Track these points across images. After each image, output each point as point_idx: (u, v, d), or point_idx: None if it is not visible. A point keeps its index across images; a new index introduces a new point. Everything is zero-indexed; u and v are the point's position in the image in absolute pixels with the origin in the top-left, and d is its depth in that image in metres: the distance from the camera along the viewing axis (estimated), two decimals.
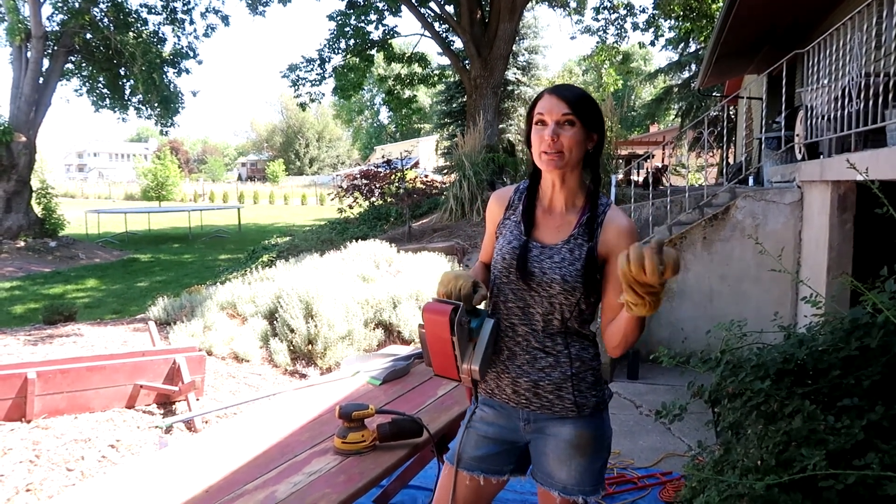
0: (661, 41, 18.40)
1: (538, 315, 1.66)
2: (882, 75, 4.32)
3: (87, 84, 17.75)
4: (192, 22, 17.90)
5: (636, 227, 1.68)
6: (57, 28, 15.99)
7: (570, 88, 1.65)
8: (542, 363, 1.67)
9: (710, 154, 20.15)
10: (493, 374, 1.73)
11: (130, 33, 16.64)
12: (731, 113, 16.12)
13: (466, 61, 14.66)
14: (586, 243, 1.63)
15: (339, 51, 16.43)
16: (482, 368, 1.62)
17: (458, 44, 15.89)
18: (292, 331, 5.75)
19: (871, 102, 4.16)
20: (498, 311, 1.73)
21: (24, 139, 15.19)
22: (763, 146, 7.84)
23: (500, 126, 19.26)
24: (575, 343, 1.68)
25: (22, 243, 14.78)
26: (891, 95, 4.00)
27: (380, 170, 13.19)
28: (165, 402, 4.45)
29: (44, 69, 15.72)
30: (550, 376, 1.66)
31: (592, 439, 1.68)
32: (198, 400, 4.52)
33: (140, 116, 18.37)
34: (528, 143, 1.73)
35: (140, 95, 17.37)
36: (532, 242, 1.68)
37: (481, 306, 1.67)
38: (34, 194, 16.03)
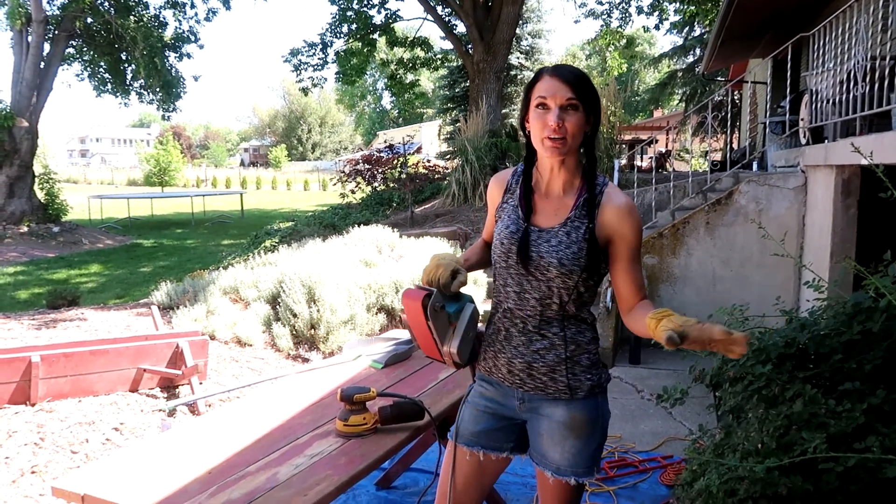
0: (666, 25, 18.25)
1: (535, 299, 1.65)
2: (888, 58, 4.28)
3: (88, 69, 17.69)
4: (193, 6, 17.80)
5: (635, 205, 1.66)
6: (57, 12, 15.90)
7: (572, 70, 1.62)
8: (537, 345, 1.67)
9: (714, 139, 20.06)
10: (490, 352, 1.75)
11: (131, 17, 16.54)
12: (735, 97, 16.01)
13: (469, 45, 14.56)
14: (584, 225, 1.62)
15: (342, 35, 16.33)
16: (461, 351, 1.66)
17: (460, 28, 15.78)
18: (295, 315, 5.77)
19: (876, 86, 4.13)
20: (497, 294, 1.74)
21: (26, 124, 15.16)
22: (767, 131, 7.80)
23: (503, 111, 19.16)
24: (571, 326, 1.67)
25: (25, 228, 14.80)
26: None
27: (382, 155, 13.16)
28: (169, 386, 4.48)
29: (45, 53, 15.66)
30: (545, 359, 1.67)
31: (586, 422, 1.68)
32: (201, 383, 4.54)
33: (142, 101, 18.33)
34: (522, 124, 1.70)
35: (141, 80, 17.30)
36: (530, 227, 1.66)
37: (476, 287, 1.71)
38: (37, 179, 16.03)
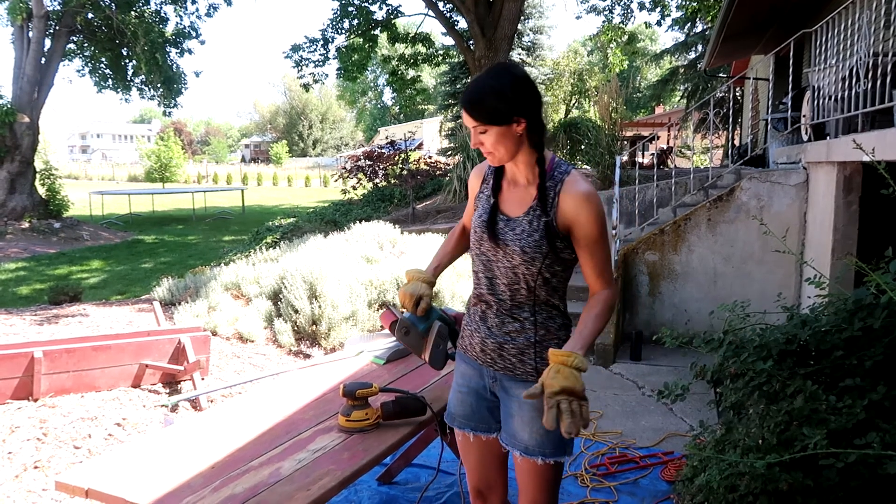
0: (668, 21, 18.19)
1: (504, 284, 1.75)
2: (890, 55, 4.27)
3: (89, 64, 17.67)
4: (194, 1, 17.83)
5: (594, 193, 1.69)
6: (58, 7, 15.88)
7: (469, 97, 1.66)
8: (508, 327, 1.77)
9: (716, 136, 20.02)
10: (467, 331, 1.89)
11: (132, 12, 16.51)
12: (737, 94, 15.98)
13: (471, 41, 14.52)
14: (543, 215, 1.68)
15: (343, 31, 16.28)
16: (433, 360, 1.94)
17: (462, 24, 15.74)
18: (296, 311, 5.78)
19: (878, 82, 4.12)
20: (475, 277, 1.85)
21: (27, 120, 15.16)
22: (769, 127, 7.79)
23: None
24: (542, 312, 1.75)
25: (26, 224, 14.81)
26: None
27: (384, 151, 13.15)
28: (171, 382, 4.49)
29: (46, 49, 15.64)
30: (515, 341, 1.76)
31: None
32: (203, 379, 4.55)
33: (143, 97, 18.30)
34: None
35: (142, 76, 17.28)
36: (499, 214, 1.76)
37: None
38: (38, 175, 16.02)
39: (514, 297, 1.74)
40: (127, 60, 17.54)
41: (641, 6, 17.25)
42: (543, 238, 1.67)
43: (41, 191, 16.10)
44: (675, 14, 18.07)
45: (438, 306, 2.09)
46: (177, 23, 17.91)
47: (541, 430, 1.69)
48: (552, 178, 1.70)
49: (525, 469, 1.77)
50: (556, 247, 1.68)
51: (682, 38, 22.68)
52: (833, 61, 5.22)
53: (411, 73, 18.21)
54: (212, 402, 4.28)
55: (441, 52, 18.94)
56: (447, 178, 12.63)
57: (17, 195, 15.29)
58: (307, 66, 16.63)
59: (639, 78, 40.06)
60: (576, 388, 1.51)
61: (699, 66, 18.20)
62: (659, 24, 18.12)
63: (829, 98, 5.19)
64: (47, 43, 15.69)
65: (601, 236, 1.68)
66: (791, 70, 6.21)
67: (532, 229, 1.68)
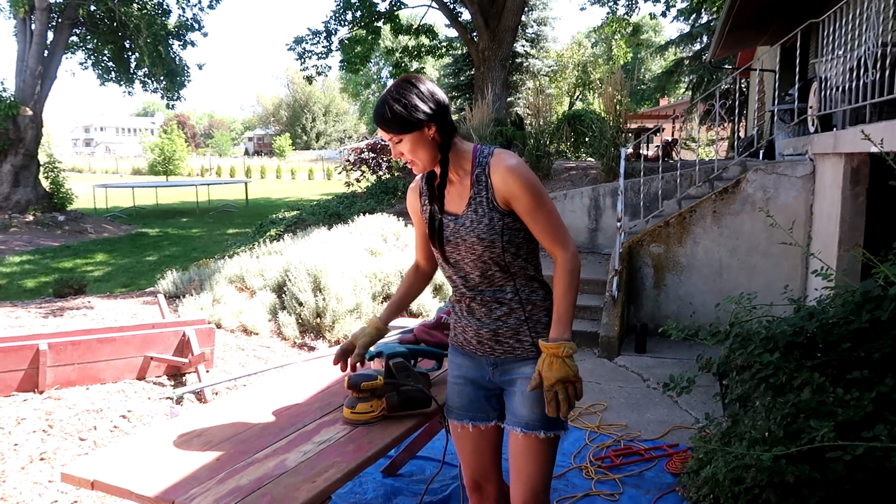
0: (673, 12, 18.10)
1: (478, 276, 1.80)
2: None
3: (92, 57, 17.64)
4: None
5: (520, 162, 1.75)
6: (60, 0, 15.85)
7: (379, 112, 1.76)
8: (497, 313, 1.82)
9: (722, 127, 19.93)
10: (459, 327, 1.93)
11: (135, 5, 16.46)
12: (742, 85, 15.90)
13: (474, 33, 14.46)
14: (483, 198, 1.75)
15: (346, 23, 16.23)
16: (400, 404, 2.12)
17: (465, 15, 15.68)
18: (300, 304, 5.78)
19: (887, 73, 4.08)
20: (451, 279, 1.89)
21: (30, 113, 15.15)
22: (775, 119, 7.74)
23: (509, 99, 19.08)
24: (524, 287, 1.81)
25: (31, 217, 14.83)
26: None
27: (387, 143, 13.12)
28: (176, 374, 4.50)
29: (48, 42, 15.60)
30: (507, 323, 1.82)
31: None
32: (207, 372, 4.56)
33: (146, 90, 18.27)
34: None
35: (145, 68, 17.24)
36: (446, 217, 1.81)
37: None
38: (42, 168, 16.03)
39: (492, 283, 1.80)
40: (130, 53, 17.51)
41: None
42: (493, 219, 1.73)
43: (45, 184, 16.11)
44: (681, 5, 17.99)
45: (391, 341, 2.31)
46: (179, 15, 17.89)
47: (541, 404, 1.74)
48: (479, 164, 1.77)
49: (525, 446, 1.82)
50: (507, 222, 1.74)
51: (686, 29, 22.54)
52: (841, 52, 5.18)
53: (415, 65, 18.14)
54: (216, 394, 4.29)
55: (444, 43, 18.88)
56: None
57: (21, 188, 15.31)
58: (310, 58, 16.60)
59: (643, 69, 39.86)
60: (569, 376, 1.68)
61: (704, 57, 18.09)
62: (664, 15, 18.04)
63: (837, 89, 5.15)
64: (50, 35, 15.65)
65: (538, 202, 1.73)
66: (798, 61, 6.16)
67: (479, 216, 1.74)
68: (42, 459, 3.26)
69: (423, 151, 1.75)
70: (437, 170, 1.81)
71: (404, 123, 1.71)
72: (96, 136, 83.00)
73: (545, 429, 1.80)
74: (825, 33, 5.55)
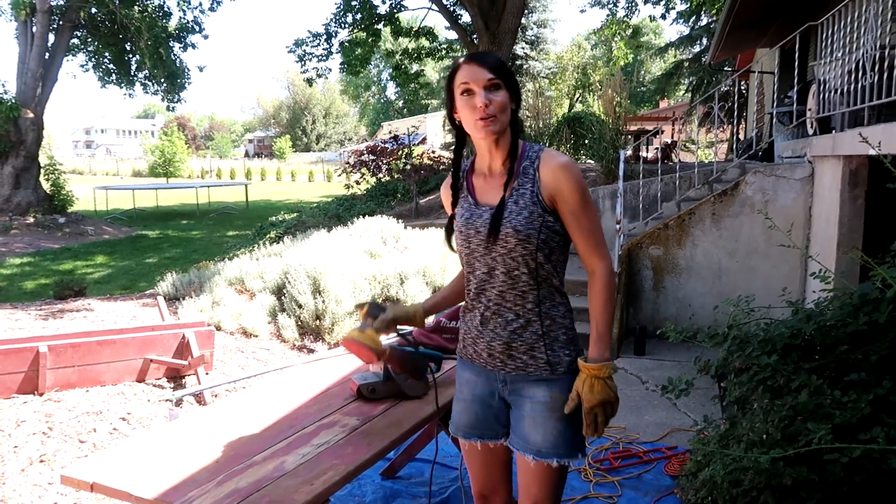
0: (672, 14, 18.11)
1: (504, 273, 1.69)
2: None
3: (93, 59, 17.67)
4: None
5: (572, 162, 1.69)
6: (62, 2, 15.87)
7: (487, 53, 1.70)
8: (513, 325, 1.71)
9: (721, 130, 19.94)
10: (469, 339, 1.81)
11: (136, 7, 16.50)
12: (742, 88, 15.91)
13: (474, 35, 14.46)
14: (528, 190, 1.67)
15: (346, 25, 16.24)
16: (409, 390, 2.30)
17: (465, 17, 15.68)
18: (300, 306, 5.78)
19: (885, 75, 4.09)
20: (468, 282, 1.79)
21: (31, 115, 15.18)
22: (774, 121, 7.75)
23: None
24: (546, 301, 1.70)
25: (31, 220, 14.85)
26: None
27: (387, 146, 13.14)
28: (175, 376, 4.50)
29: (50, 44, 15.64)
30: (522, 336, 1.70)
31: (567, 401, 1.68)
32: (207, 374, 4.56)
33: (146, 92, 18.29)
34: (451, 116, 1.76)
35: (146, 71, 17.27)
36: (482, 207, 1.72)
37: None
38: (42, 171, 16.05)
39: (515, 285, 1.68)
40: (130, 55, 17.54)
41: (646, 0, 17.18)
42: (533, 213, 1.65)
43: (46, 186, 16.13)
44: (680, 7, 18.00)
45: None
46: (180, 17, 17.92)
47: (553, 430, 1.68)
48: (528, 157, 1.71)
49: (536, 472, 1.72)
50: (548, 220, 1.66)
51: (686, 31, 22.56)
52: (839, 54, 5.19)
53: (415, 67, 18.15)
54: (216, 396, 4.30)
55: (444, 46, 18.87)
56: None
57: (21, 190, 15.33)
58: (310, 60, 16.60)
59: (643, 72, 39.90)
60: (611, 398, 1.62)
61: (704, 59, 18.09)
62: (663, 17, 18.04)
63: (835, 91, 5.16)
64: (51, 38, 15.68)
65: (585, 203, 1.67)
66: (797, 63, 6.17)
67: (520, 208, 1.66)
68: (42, 461, 3.27)
69: (505, 115, 1.67)
70: (490, 153, 1.73)
71: (510, 74, 1.68)
72: (97, 138, 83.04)
73: (558, 457, 1.69)
74: (824, 36, 5.56)
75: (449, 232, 1.82)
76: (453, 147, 1.88)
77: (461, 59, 1.69)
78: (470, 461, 1.90)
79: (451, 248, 1.84)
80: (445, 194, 1.87)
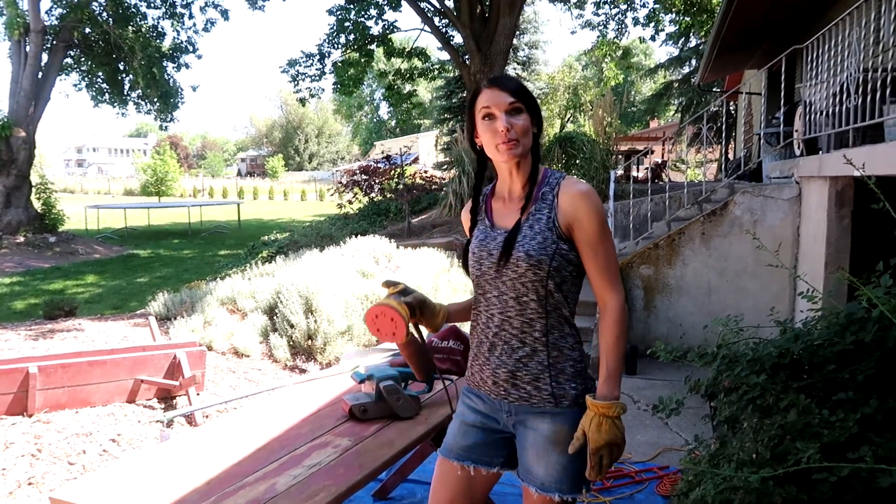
0: (662, 36, 18.36)
1: (513, 299, 1.67)
2: (880, 70, 4.33)
3: (86, 79, 17.73)
4: (191, 16, 17.91)
5: (592, 190, 1.68)
6: (56, 22, 15.95)
7: (508, 77, 1.71)
8: (519, 353, 1.68)
9: (710, 150, 20.14)
10: (476, 366, 1.78)
11: (129, 27, 16.60)
12: (730, 108, 16.11)
13: (466, 56, 14.62)
14: (545, 216, 1.66)
15: (339, 46, 16.38)
16: (402, 411, 2.35)
17: (458, 39, 15.86)
18: (292, 326, 5.77)
19: (869, 98, 4.17)
20: (478, 305, 1.76)
21: (23, 134, 15.17)
22: (762, 142, 7.85)
23: None
24: (554, 331, 1.68)
25: (21, 238, 14.78)
26: (889, 91, 4.01)
27: (379, 165, 13.20)
28: (166, 397, 4.48)
29: (43, 63, 15.69)
30: (528, 366, 1.68)
31: (572, 435, 1.65)
32: (198, 394, 4.54)
33: (139, 111, 18.36)
34: (471, 140, 1.77)
35: (139, 90, 17.34)
36: (497, 230, 1.72)
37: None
38: (33, 189, 16.01)
39: (523, 312, 1.66)
40: (124, 75, 17.61)
41: (636, 21, 17.43)
42: (548, 239, 1.63)
43: (36, 205, 16.08)
44: (669, 29, 18.26)
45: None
46: (174, 37, 18.03)
47: (556, 464, 1.65)
48: (548, 182, 1.70)
49: (539, 503, 1.69)
50: (562, 248, 1.64)
51: (676, 52, 22.89)
52: (824, 77, 5.28)
53: (407, 87, 18.31)
54: (207, 417, 4.27)
55: (437, 66, 19.07)
56: (443, 193, 12.66)
57: (12, 209, 15.27)
58: (304, 80, 16.72)
59: (633, 92, 40.34)
60: (618, 439, 1.58)
61: (693, 80, 18.34)
62: (653, 39, 18.29)
63: (821, 113, 5.25)
64: (44, 57, 15.73)
65: (603, 234, 1.66)
66: (783, 85, 6.27)
67: (534, 232, 1.64)
68: (30, 484, 3.24)
69: (529, 136, 1.68)
70: (510, 176, 1.73)
71: (531, 98, 1.69)
72: (89, 156, 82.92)
73: (561, 492, 1.65)
74: (809, 59, 5.66)
75: (465, 256, 1.80)
76: (475, 171, 1.88)
77: (482, 84, 1.70)
78: (444, 483, 1.81)
79: (466, 272, 1.82)
80: (466, 218, 1.86)
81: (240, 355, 5.57)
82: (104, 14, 16.50)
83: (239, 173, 70.36)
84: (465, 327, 2.00)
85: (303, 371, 5.46)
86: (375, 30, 16.34)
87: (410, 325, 1.77)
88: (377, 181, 13.01)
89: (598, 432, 1.56)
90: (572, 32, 21.90)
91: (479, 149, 1.75)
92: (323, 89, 17.19)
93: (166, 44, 17.66)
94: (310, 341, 5.70)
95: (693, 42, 21.12)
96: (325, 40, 16.32)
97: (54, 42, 15.85)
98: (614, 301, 1.66)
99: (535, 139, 1.71)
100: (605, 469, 1.59)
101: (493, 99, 1.64)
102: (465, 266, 1.81)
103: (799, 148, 6.10)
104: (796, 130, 6.29)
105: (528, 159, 1.71)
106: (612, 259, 1.68)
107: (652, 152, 10.85)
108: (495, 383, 1.72)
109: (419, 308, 1.78)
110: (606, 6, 17.48)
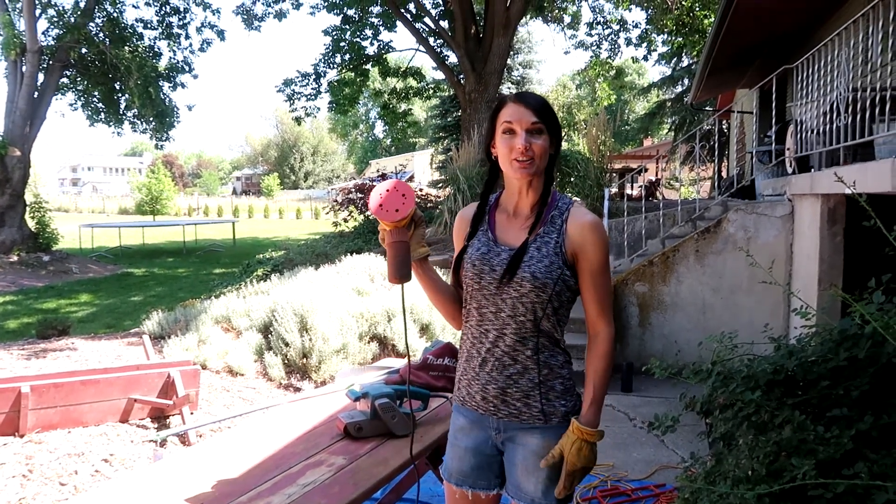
0: (654, 56, 18.59)
1: (509, 317, 1.67)
2: (869, 90, 4.39)
3: (82, 98, 17.77)
4: (187, 37, 17.99)
5: (600, 222, 1.71)
6: (52, 42, 16.03)
7: (535, 96, 1.70)
8: (510, 370, 1.69)
9: (703, 168, 20.28)
10: (464, 381, 1.78)
11: (126, 48, 16.69)
12: (723, 127, 16.25)
13: (461, 76, 14.75)
14: (553, 240, 1.67)
15: (335, 65, 16.52)
16: (396, 429, 2.30)
17: (452, 58, 16.01)
18: (287, 344, 5.75)
19: (858, 117, 4.22)
20: (469, 319, 1.75)
21: (18, 153, 15.18)
22: (755, 160, 7.92)
23: None
24: (545, 350, 1.69)
25: (15, 258, 14.72)
26: (878, 110, 4.06)
27: (375, 184, 13.22)
28: (160, 416, 4.44)
29: (39, 84, 15.74)
30: (518, 383, 1.69)
31: None
32: (192, 413, 4.50)
33: (135, 131, 18.38)
34: (487, 150, 1.76)
35: (135, 110, 17.38)
36: (501, 246, 1.71)
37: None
38: (28, 208, 15.98)
39: (518, 331, 1.67)
40: (120, 94, 17.66)
41: (628, 41, 17.64)
42: (554, 263, 1.64)
43: (31, 224, 16.04)
44: (662, 49, 18.48)
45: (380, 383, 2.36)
46: (170, 57, 18.14)
47: (545, 479, 1.68)
48: (557, 207, 1.71)
49: None
50: (565, 274, 1.66)
51: (668, 72, 23.14)
52: (815, 96, 5.35)
53: (402, 106, 18.43)
54: (201, 436, 4.24)
55: (431, 85, 19.23)
56: (438, 211, 12.66)
57: (6, 228, 15.22)
58: (299, 99, 16.83)
59: (627, 111, 40.69)
60: (592, 464, 1.66)
61: (686, 99, 18.53)
62: (646, 58, 18.51)
63: (812, 131, 5.31)
64: (40, 77, 15.79)
65: (606, 266, 1.70)
66: (774, 104, 6.34)
67: (542, 255, 1.65)
68: None
69: (545, 157, 1.68)
70: (520, 193, 1.72)
71: (554, 118, 1.69)
72: (84, 175, 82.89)
73: None
74: (799, 78, 5.74)
75: (458, 263, 1.77)
76: (486, 180, 1.83)
77: (507, 97, 1.69)
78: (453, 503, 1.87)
79: (456, 279, 1.79)
80: (461, 225, 1.83)
81: (234, 374, 5.54)
82: (101, 35, 16.60)
83: (234, 192, 70.41)
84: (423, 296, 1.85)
85: (297, 389, 5.43)
86: (371, 50, 16.50)
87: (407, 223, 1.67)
88: None
89: (578, 456, 1.62)
90: (566, 53, 22.19)
91: (493, 158, 1.75)
92: (318, 108, 17.31)
93: (162, 63, 17.75)
94: (305, 360, 5.68)
95: (685, 62, 21.35)
96: (320, 60, 16.46)
97: (51, 62, 15.91)
98: (607, 331, 1.71)
99: (551, 160, 1.72)
100: (572, 488, 1.67)
101: (516, 115, 1.65)
102: (456, 272, 1.78)
103: (791, 166, 6.15)
104: (788, 149, 6.35)
105: (540, 179, 1.72)
106: (610, 291, 1.73)
107: (646, 170, 10.93)
108: (484, 399, 1.73)
109: (416, 222, 1.72)
110: (599, 27, 17.71)
